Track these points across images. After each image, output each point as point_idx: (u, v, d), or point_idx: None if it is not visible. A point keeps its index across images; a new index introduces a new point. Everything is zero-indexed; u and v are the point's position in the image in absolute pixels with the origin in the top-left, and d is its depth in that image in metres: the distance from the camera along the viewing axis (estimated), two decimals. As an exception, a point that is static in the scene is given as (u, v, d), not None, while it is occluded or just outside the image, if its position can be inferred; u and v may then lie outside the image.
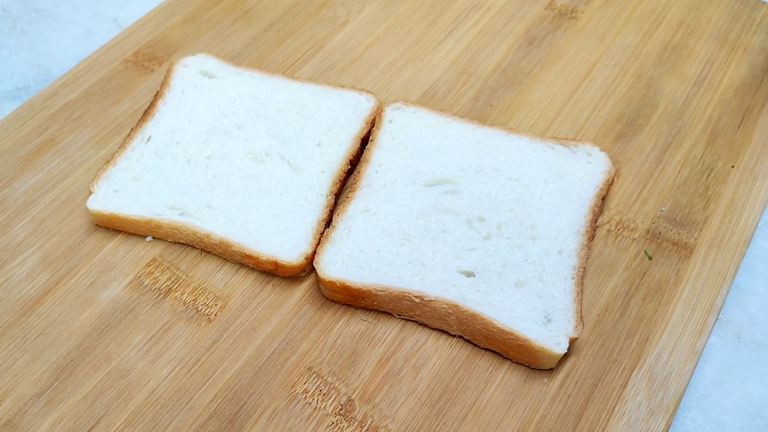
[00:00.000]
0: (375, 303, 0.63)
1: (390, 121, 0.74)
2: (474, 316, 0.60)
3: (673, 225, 0.69)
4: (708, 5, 0.88)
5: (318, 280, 0.64)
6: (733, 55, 0.83)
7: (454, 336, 0.63)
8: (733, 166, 0.73)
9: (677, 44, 0.84)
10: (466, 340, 0.62)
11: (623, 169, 0.73)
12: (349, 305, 0.64)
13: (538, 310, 0.61)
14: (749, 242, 0.68)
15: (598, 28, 0.86)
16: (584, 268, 0.64)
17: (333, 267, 0.63)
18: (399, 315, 0.63)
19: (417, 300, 0.61)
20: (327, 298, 0.65)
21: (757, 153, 0.74)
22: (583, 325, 0.60)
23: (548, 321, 0.60)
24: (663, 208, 0.69)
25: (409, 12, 0.89)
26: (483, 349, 0.62)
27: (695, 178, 0.72)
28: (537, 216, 0.66)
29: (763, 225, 0.71)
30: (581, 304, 0.62)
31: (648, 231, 0.69)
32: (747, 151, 0.74)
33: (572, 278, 0.63)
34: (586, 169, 0.70)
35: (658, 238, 0.68)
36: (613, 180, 0.70)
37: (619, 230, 0.69)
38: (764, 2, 0.89)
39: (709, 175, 0.73)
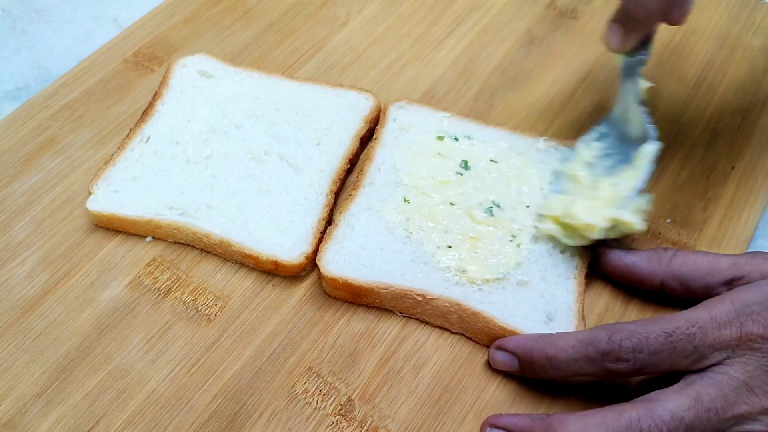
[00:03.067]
0: (377, 301, 0.63)
1: (394, 120, 0.74)
2: (476, 315, 0.60)
3: (673, 225, 0.69)
4: (708, 6, 0.88)
5: (320, 278, 0.64)
6: (733, 56, 0.83)
7: (455, 335, 0.63)
8: (732, 168, 0.73)
9: (677, 45, 0.84)
10: (467, 338, 0.62)
11: (623, 170, 0.73)
12: (350, 303, 0.64)
13: (540, 309, 0.61)
14: (749, 243, 0.68)
15: (598, 28, 0.86)
16: (587, 267, 0.64)
17: (336, 265, 0.63)
18: (401, 313, 0.63)
19: (419, 298, 0.61)
20: (328, 297, 0.65)
21: (756, 154, 0.74)
22: (585, 324, 0.60)
23: (550, 320, 0.60)
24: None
25: (409, 12, 0.89)
26: (484, 347, 0.62)
27: (695, 179, 0.72)
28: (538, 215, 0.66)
29: (763, 225, 0.71)
30: (583, 303, 0.62)
31: (648, 231, 0.69)
32: (747, 152, 0.74)
33: (574, 278, 0.63)
34: None
35: (658, 238, 0.68)
36: None
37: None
38: (764, 3, 0.89)
39: (709, 176, 0.73)
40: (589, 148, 0.67)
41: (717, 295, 0.54)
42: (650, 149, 0.63)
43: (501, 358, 0.59)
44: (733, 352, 0.50)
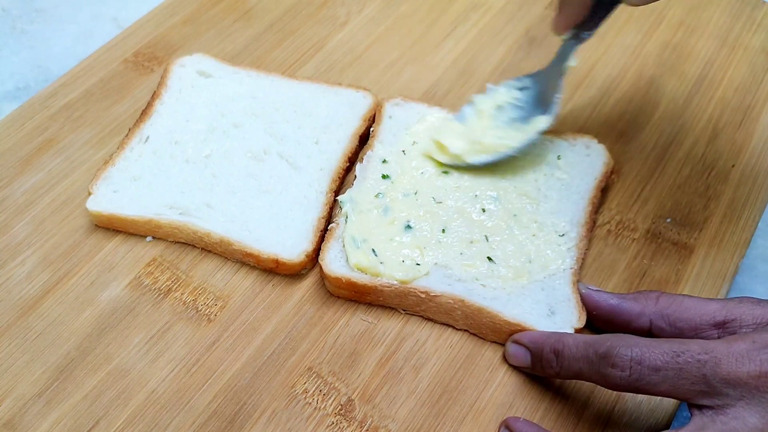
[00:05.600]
0: (381, 299, 0.63)
1: (389, 117, 0.74)
2: (480, 311, 0.60)
3: (673, 225, 0.69)
4: (708, 5, 0.88)
5: (323, 277, 0.64)
6: (733, 55, 0.83)
7: (455, 334, 0.63)
8: (733, 166, 0.73)
9: (678, 44, 0.84)
10: (467, 339, 0.62)
11: (624, 169, 0.73)
12: (351, 302, 0.64)
13: (542, 302, 0.61)
14: (749, 242, 0.68)
15: (597, 29, 0.86)
16: (583, 259, 0.64)
17: (338, 263, 0.63)
18: (404, 310, 0.64)
19: (423, 295, 0.61)
20: (328, 297, 0.65)
21: (757, 152, 0.74)
22: (586, 315, 0.60)
23: (552, 313, 0.60)
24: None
25: (409, 12, 0.89)
26: (489, 342, 0.62)
27: (695, 178, 0.72)
28: (537, 208, 0.67)
29: (763, 225, 0.71)
30: (579, 293, 0.62)
31: (648, 231, 0.69)
32: (747, 150, 0.74)
33: (570, 268, 0.63)
34: (584, 161, 0.70)
35: (658, 238, 0.68)
36: (612, 172, 0.70)
37: (619, 230, 0.69)
38: (765, 2, 0.89)
39: (709, 174, 0.73)
40: (509, 93, 0.69)
41: (707, 337, 0.52)
42: (542, 121, 0.67)
43: (515, 352, 0.59)
44: (750, 394, 0.46)
